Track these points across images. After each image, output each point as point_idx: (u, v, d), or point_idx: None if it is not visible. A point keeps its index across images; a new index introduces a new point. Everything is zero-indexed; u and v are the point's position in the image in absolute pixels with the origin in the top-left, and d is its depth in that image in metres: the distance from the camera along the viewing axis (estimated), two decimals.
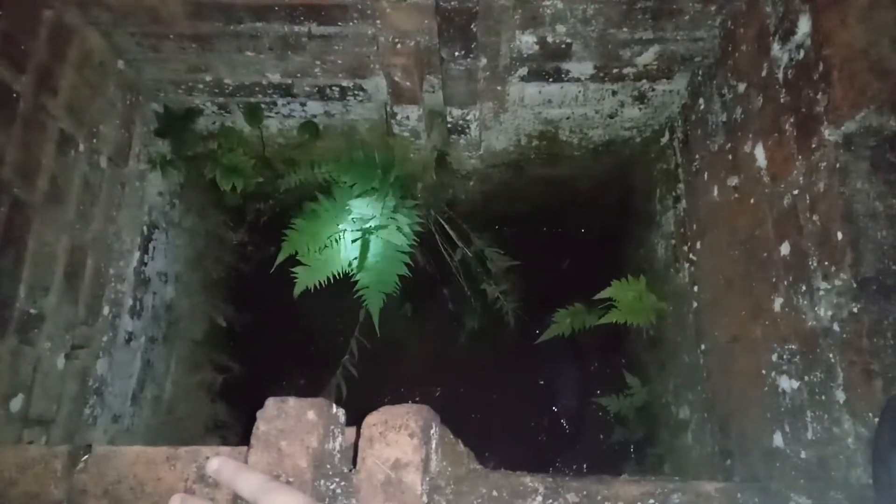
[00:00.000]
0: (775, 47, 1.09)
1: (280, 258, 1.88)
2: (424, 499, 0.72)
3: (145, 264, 1.72)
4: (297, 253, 1.89)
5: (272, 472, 0.72)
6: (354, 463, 0.75)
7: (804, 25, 1.00)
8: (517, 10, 1.30)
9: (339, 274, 1.88)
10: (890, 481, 0.72)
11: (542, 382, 2.07)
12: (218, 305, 2.20)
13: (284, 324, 2.27)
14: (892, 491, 0.72)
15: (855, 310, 0.87)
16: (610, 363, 2.04)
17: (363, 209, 1.82)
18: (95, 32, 1.45)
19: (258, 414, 0.76)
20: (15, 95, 1.22)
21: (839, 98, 0.91)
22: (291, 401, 0.76)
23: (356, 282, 1.91)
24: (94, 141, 1.48)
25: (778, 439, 1.07)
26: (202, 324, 2.10)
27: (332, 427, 0.80)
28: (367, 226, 1.82)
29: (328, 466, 0.76)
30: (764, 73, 1.13)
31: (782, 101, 1.06)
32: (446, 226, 2.04)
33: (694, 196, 1.50)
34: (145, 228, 1.72)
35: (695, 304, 1.49)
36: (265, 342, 2.30)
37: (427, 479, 0.74)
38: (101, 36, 1.46)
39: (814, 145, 0.96)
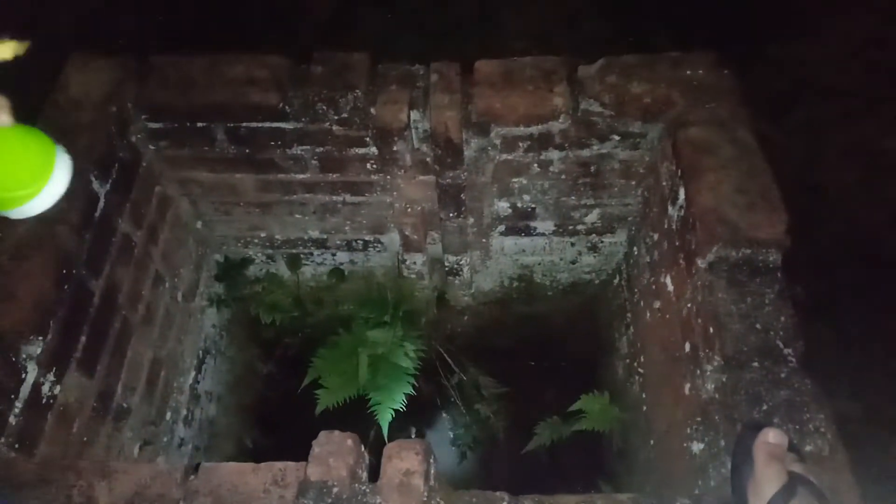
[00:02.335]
0: (670, 208, 1.58)
1: (306, 381, 2.26)
2: (425, 495, 1.06)
3: (198, 382, 2.10)
4: (319, 378, 2.28)
5: (323, 479, 1.07)
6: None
7: (682, 194, 1.49)
8: (494, 184, 1.82)
9: (354, 396, 2.26)
10: (739, 484, 1.07)
11: (527, 489, 2.33)
12: (247, 427, 2.52)
13: (301, 445, 2.57)
14: (740, 492, 1.07)
15: (724, 379, 1.26)
16: (587, 473, 2.32)
17: (376, 338, 2.23)
18: (186, 201, 1.97)
19: (314, 442, 1.13)
20: (134, 244, 1.70)
21: (701, 239, 1.37)
22: (336, 432, 1.14)
23: (368, 402, 2.28)
24: (175, 280, 1.94)
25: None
26: (233, 442, 2.42)
27: (361, 459, 1.16)
28: (380, 352, 2.22)
29: (361, 479, 1.11)
30: (666, 226, 1.61)
31: (676, 243, 1.53)
32: (445, 355, 2.43)
33: (637, 321, 1.92)
34: (201, 353, 2.13)
35: (644, 408, 1.85)
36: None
37: (427, 485, 1.09)
38: (190, 204, 1.98)
39: (694, 271, 1.41)
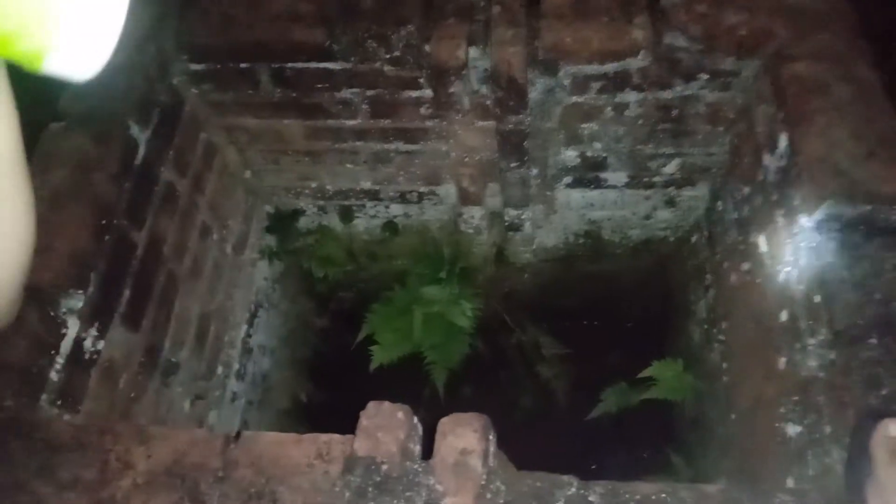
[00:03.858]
0: (766, 158, 1.37)
1: (360, 336, 2.20)
2: (484, 478, 0.95)
3: (250, 336, 2.05)
4: (374, 333, 2.20)
5: (371, 455, 0.98)
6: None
7: (783, 141, 1.29)
8: (561, 131, 1.65)
9: (409, 353, 2.17)
10: (855, 482, 0.91)
11: (591, 459, 2.21)
12: (301, 382, 2.49)
13: (355, 401, 2.53)
14: (857, 491, 0.91)
15: (832, 357, 1.09)
16: (656, 445, 2.18)
17: (432, 295, 2.12)
18: (233, 149, 1.88)
19: (362, 413, 1.03)
20: (178, 193, 1.62)
21: (809, 193, 1.17)
22: (386, 404, 1.03)
23: (423, 362, 2.19)
24: (224, 232, 1.86)
25: (790, 482, 1.24)
26: (287, 396, 2.38)
27: (413, 433, 1.05)
28: (435, 309, 2.11)
29: (413, 456, 1.01)
30: (760, 178, 1.40)
31: (773, 198, 1.33)
32: (504, 314, 2.31)
33: (719, 284, 1.74)
34: (252, 306, 2.07)
35: (725, 379, 1.68)
36: (337, 418, 2.54)
37: (486, 466, 0.97)
38: (237, 152, 1.89)
39: (796, 231, 1.22)
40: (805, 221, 1.18)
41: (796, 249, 1.22)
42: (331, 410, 2.63)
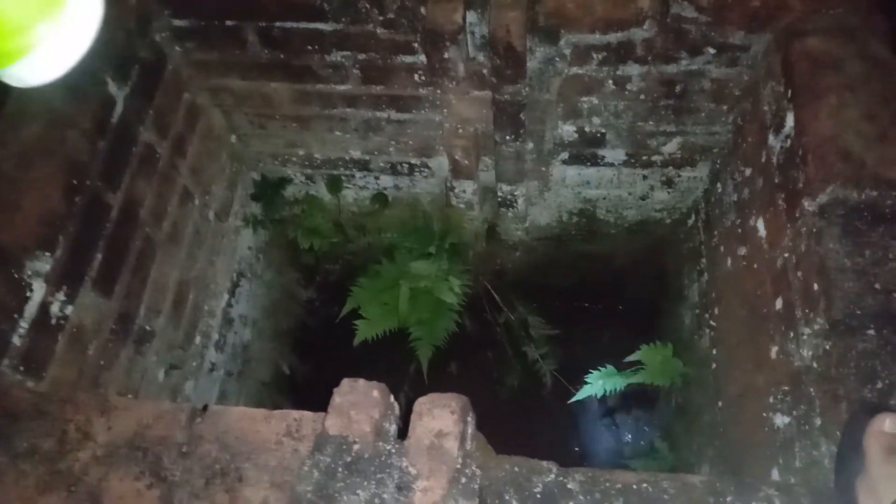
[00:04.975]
0: (771, 138, 1.31)
1: (345, 310, 2.15)
2: (459, 461, 0.91)
3: (231, 306, 2.00)
4: (359, 307, 2.15)
5: (343, 434, 0.93)
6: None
7: (790, 120, 1.23)
8: (559, 104, 1.58)
9: (395, 329, 2.13)
10: (846, 478, 0.87)
11: (575, 440, 2.19)
12: (284, 353, 2.44)
13: (340, 375, 2.49)
14: (846, 487, 0.87)
15: (827, 347, 1.04)
16: (641, 430, 2.16)
17: (420, 270, 2.07)
18: (218, 112, 1.80)
19: (335, 390, 0.98)
20: (157, 156, 1.56)
21: (813, 175, 1.12)
22: (361, 381, 0.99)
23: (408, 338, 2.15)
24: (206, 198, 1.80)
25: (775, 474, 1.20)
26: (269, 368, 2.34)
27: (389, 412, 1.01)
28: (422, 285, 2.06)
29: (387, 436, 0.96)
30: (763, 159, 1.35)
31: (776, 180, 1.28)
32: (493, 292, 2.26)
33: (713, 268, 1.69)
34: (234, 276, 2.01)
35: (714, 366, 1.64)
36: (320, 391, 2.51)
37: (463, 449, 0.93)
38: (223, 115, 1.82)
39: (798, 215, 1.17)
40: (807, 205, 1.13)
41: (796, 235, 1.17)
42: (314, 383, 2.59)
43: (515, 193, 1.91)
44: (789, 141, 1.23)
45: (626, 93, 1.52)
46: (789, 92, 1.24)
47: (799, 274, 1.15)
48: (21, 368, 1.15)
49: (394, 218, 2.15)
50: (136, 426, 0.96)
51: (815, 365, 1.08)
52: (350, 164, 1.97)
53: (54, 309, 1.22)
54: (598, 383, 2.01)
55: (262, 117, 1.81)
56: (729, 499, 0.89)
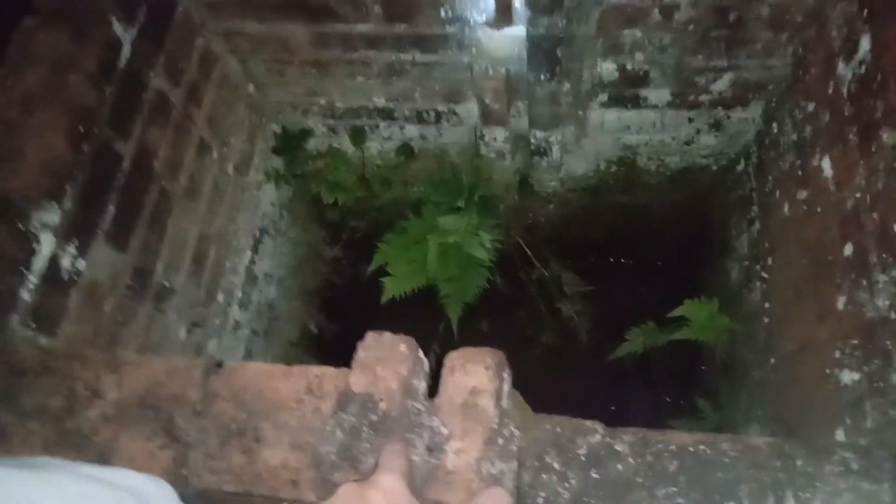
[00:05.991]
0: (840, 66, 1.17)
1: (372, 267, 2.07)
2: (496, 421, 0.83)
3: (254, 263, 1.94)
4: (386, 264, 2.07)
5: (368, 391, 0.85)
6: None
7: (865, 44, 1.09)
8: (599, 38, 1.45)
9: (423, 286, 2.04)
10: None
11: (613, 400, 2.11)
12: (311, 312, 2.39)
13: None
14: None
15: None
16: (682, 388, 2.06)
17: (448, 225, 1.98)
18: (234, 59, 1.71)
19: (359, 344, 0.90)
20: (171, 104, 1.47)
21: (894, 103, 0.98)
22: (387, 334, 0.90)
23: (437, 294, 2.06)
24: (225, 150, 1.72)
25: (840, 434, 1.10)
26: (296, 327, 2.29)
27: (418, 368, 0.93)
28: (451, 240, 1.97)
29: (416, 394, 0.88)
30: (830, 91, 1.21)
31: (846, 113, 1.14)
32: (525, 246, 2.16)
33: (766, 216, 1.56)
34: (257, 232, 1.95)
35: (765, 320, 1.53)
36: (349, 350, 2.46)
37: (499, 407, 0.85)
38: (239, 62, 1.72)
39: (874, 149, 1.04)
40: (887, 137, 1.00)
41: (871, 171, 1.04)
42: (342, 343, 2.55)
43: (550, 140, 1.79)
44: (864, 67, 1.09)
45: (674, 23, 1.39)
46: (864, 11, 1.09)
47: (874, 215, 1.03)
48: (32, 325, 1.09)
49: (420, 170, 2.05)
50: (148, 383, 0.89)
51: (892, 315, 0.96)
52: (373, 113, 1.87)
53: (65, 263, 1.16)
54: (638, 340, 1.93)
55: (280, 63, 1.72)
56: (799, 462, 0.80)
